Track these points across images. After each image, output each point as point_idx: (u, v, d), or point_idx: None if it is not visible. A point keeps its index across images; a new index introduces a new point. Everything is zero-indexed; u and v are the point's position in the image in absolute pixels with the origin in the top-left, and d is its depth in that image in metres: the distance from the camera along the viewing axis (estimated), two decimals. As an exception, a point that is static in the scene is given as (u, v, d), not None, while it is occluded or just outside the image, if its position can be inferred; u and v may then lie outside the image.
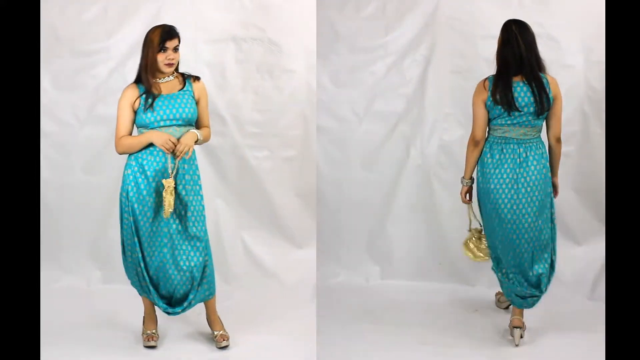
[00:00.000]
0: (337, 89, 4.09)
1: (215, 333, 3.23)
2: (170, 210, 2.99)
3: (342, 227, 4.17)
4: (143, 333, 3.26)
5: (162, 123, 3.01)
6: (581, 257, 3.97)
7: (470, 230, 3.42)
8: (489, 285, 3.93)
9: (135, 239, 3.06)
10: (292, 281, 4.00)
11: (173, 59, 3.01)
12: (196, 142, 3.06)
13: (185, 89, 3.08)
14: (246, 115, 4.01)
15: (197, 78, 3.15)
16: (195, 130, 3.07)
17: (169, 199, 2.97)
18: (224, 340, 3.19)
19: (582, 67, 3.88)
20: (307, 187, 4.09)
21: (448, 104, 4.03)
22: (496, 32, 3.79)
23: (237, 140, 4.01)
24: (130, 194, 3.04)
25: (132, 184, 3.04)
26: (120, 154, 3.10)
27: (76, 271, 4.02)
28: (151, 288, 3.12)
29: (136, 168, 3.05)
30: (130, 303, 3.64)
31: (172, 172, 2.99)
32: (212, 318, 3.27)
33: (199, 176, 3.14)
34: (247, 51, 3.97)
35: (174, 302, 3.15)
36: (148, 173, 3.03)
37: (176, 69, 3.13)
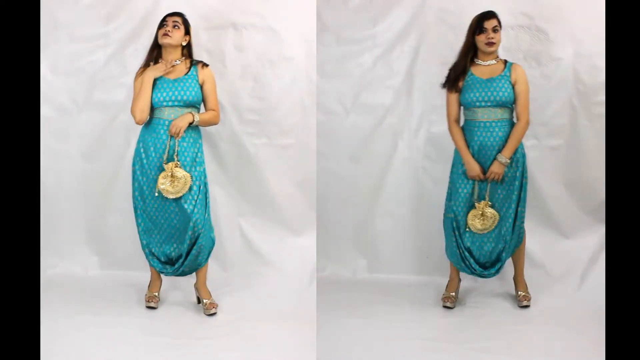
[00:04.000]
0: (324, 80, 4.05)
1: (205, 301, 3.49)
2: (164, 191, 3.30)
3: (329, 220, 4.14)
4: (146, 295, 3.55)
5: (164, 104, 3.31)
6: (569, 250, 3.95)
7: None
8: (476, 279, 3.92)
9: (140, 204, 3.41)
10: (289, 268, 3.98)
11: (169, 31, 3.29)
12: (191, 124, 3.30)
13: (189, 73, 3.35)
14: (245, 103, 3.97)
15: (205, 65, 3.41)
16: (192, 112, 3.33)
17: (161, 182, 3.29)
18: (213, 307, 3.46)
19: (571, 59, 3.86)
20: (305, 174, 4.06)
21: (436, 96, 3.98)
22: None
23: (235, 127, 3.97)
24: (137, 166, 3.39)
25: (138, 158, 3.38)
26: (141, 122, 3.32)
27: (73, 257, 4.01)
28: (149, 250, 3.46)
29: (142, 144, 3.37)
30: (127, 289, 3.72)
31: (166, 154, 3.28)
32: (201, 287, 3.52)
33: (197, 152, 3.38)
34: (246, 38, 3.93)
35: (169, 262, 3.47)
36: (151, 149, 3.33)
37: (189, 55, 3.42)
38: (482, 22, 3.37)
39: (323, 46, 4.03)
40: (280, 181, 4.06)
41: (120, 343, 3.12)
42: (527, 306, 3.58)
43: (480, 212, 3.42)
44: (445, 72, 3.94)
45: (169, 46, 3.34)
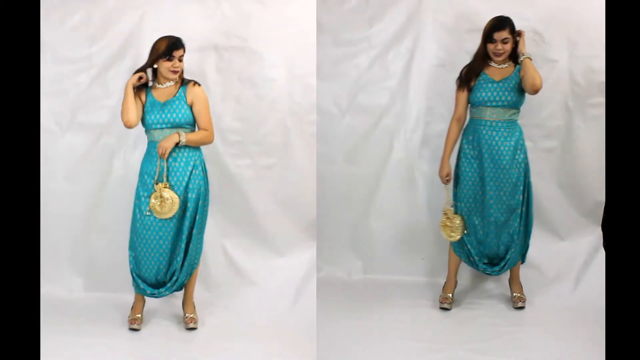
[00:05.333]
0: (319, 81, 4.04)
1: (187, 315, 3.53)
2: (155, 211, 3.30)
3: (325, 221, 4.14)
4: (129, 317, 3.52)
5: (153, 126, 3.34)
6: (564, 251, 3.96)
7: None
8: (471, 280, 3.93)
9: (134, 227, 3.41)
10: (273, 288, 3.94)
11: (178, 67, 3.34)
12: (178, 144, 3.29)
13: (178, 95, 3.37)
14: (227, 124, 3.95)
15: (196, 83, 3.41)
16: (180, 132, 3.32)
17: (153, 202, 3.29)
18: (191, 322, 3.50)
19: (566, 61, 3.87)
20: (289, 194, 4.04)
21: (432, 97, 4.01)
22: (480, 25, 3.80)
23: (218, 148, 3.93)
24: (138, 190, 3.39)
25: (138, 181, 3.40)
26: (127, 124, 3.31)
27: (58, 279, 3.97)
28: (131, 271, 3.45)
29: (141, 167, 3.41)
30: (111, 310, 3.68)
31: (157, 175, 3.30)
32: (186, 301, 3.58)
33: (191, 172, 3.37)
34: (228, 60, 3.92)
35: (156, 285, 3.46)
36: (145, 171, 3.37)
37: (181, 75, 3.41)
38: (492, 33, 3.40)
39: (319, 47, 4.03)
40: (263, 201, 4.04)
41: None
42: (522, 307, 3.59)
43: (446, 218, 3.56)
44: (442, 74, 3.97)
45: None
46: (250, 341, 3.35)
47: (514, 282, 3.67)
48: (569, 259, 3.92)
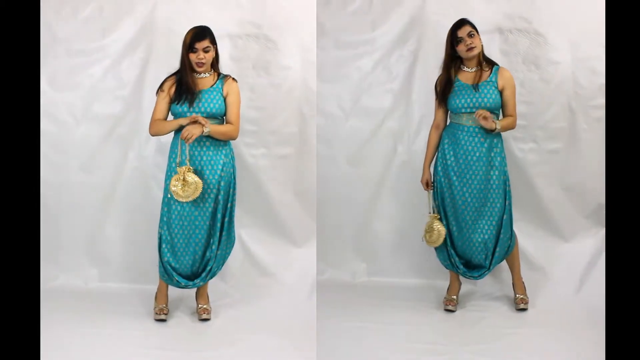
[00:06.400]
0: (323, 84, 4.05)
1: (200, 306, 3.53)
2: (175, 193, 3.27)
3: (328, 223, 4.14)
4: (155, 308, 3.51)
5: (187, 114, 3.31)
6: (568, 253, 3.96)
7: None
8: (474, 282, 3.93)
9: (165, 214, 3.39)
10: (289, 279, 3.97)
11: (203, 59, 3.29)
12: (203, 133, 3.24)
13: (215, 86, 3.36)
14: (242, 113, 3.92)
15: (234, 79, 3.42)
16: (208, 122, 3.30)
17: (174, 184, 3.26)
18: (204, 313, 3.49)
19: (569, 63, 3.87)
20: (304, 184, 4.06)
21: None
22: (483, 27, 3.81)
23: None
24: (167, 175, 3.38)
25: (168, 166, 3.39)
26: (152, 135, 3.42)
27: (73, 270, 4.00)
28: (165, 262, 3.41)
29: (170, 152, 3.39)
30: (126, 301, 3.71)
31: (179, 158, 3.28)
32: (200, 292, 3.56)
33: (224, 162, 3.39)
34: (242, 48, 3.94)
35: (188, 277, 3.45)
36: (173, 156, 3.35)
37: (215, 68, 3.41)
38: (456, 32, 3.40)
39: (322, 50, 4.04)
40: (279, 191, 4.06)
41: (119, 356, 3.12)
42: (524, 309, 3.58)
43: (430, 225, 3.56)
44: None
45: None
46: (263, 334, 3.35)
47: (517, 283, 3.66)
48: (572, 261, 3.91)
